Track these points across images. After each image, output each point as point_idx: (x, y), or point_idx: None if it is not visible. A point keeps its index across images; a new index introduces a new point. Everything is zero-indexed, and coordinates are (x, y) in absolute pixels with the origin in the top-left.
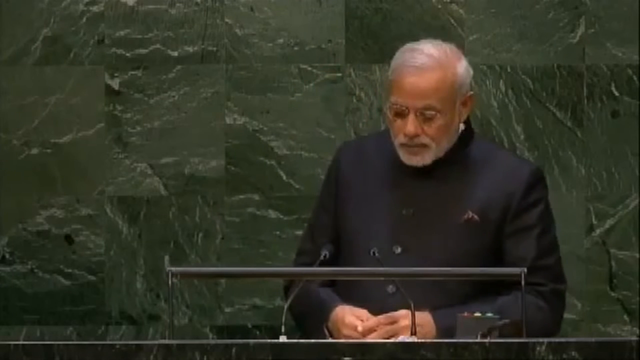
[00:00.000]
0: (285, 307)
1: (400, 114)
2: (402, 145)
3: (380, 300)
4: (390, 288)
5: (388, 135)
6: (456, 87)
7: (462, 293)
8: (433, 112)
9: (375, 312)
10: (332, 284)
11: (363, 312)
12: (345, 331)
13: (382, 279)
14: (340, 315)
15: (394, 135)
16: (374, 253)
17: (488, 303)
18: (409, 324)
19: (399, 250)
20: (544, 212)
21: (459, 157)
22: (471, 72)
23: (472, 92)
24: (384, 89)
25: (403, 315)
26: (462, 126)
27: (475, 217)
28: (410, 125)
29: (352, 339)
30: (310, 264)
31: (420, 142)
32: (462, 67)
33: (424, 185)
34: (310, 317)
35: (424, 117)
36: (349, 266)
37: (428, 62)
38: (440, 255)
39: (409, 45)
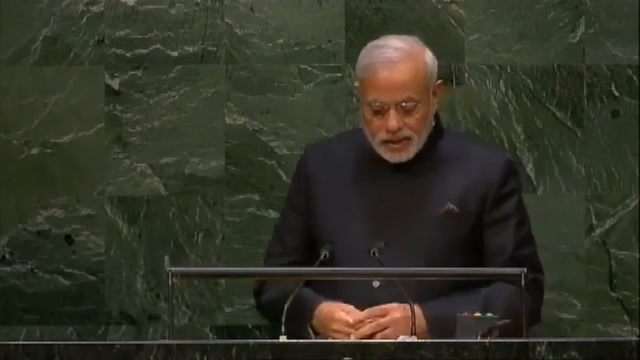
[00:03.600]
0: (286, 307)
1: (379, 112)
2: (384, 142)
3: (367, 296)
4: (376, 282)
5: (357, 134)
6: (428, 76)
7: (443, 285)
8: (413, 104)
9: (362, 307)
10: (309, 283)
11: (350, 307)
12: (335, 326)
13: (381, 278)
14: (326, 311)
15: (372, 134)
16: (373, 253)
17: (472, 294)
18: (400, 316)
19: (381, 244)
20: (520, 202)
21: (431, 151)
22: (436, 62)
23: (440, 81)
24: (357, 91)
25: (394, 308)
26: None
27: (455, 208)
28: (392, 119)
29: (342, 333)
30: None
31: (403, 136)
32: (429, 56)
33: (400, 180)
34: (293, 317)
35: (404, 109)
36: (331, 265)
37: (398, 55)
38: (423, 247)
39: (372, 43)
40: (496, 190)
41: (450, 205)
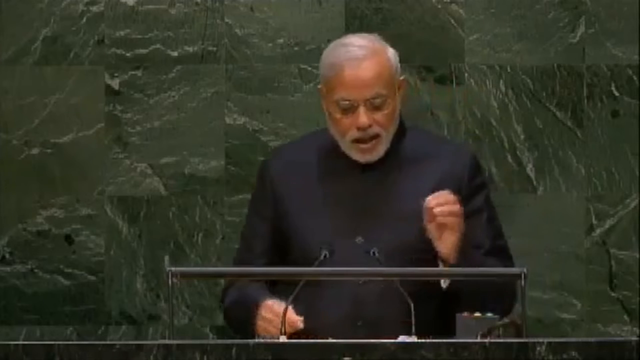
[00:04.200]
0: (285, 306)
1: (348, 110)
2: (355, 141)
3: (351, 291)
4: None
5: (320, 135)
6: (393, 72)
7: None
8: (382, 99)
9: (346, 302)
10: (275, 283)
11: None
12: (266, 313)
13: (380, 278)
14: (269, 304)
15: (341, 133)
16: (373, 253)
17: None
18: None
19: (361, 240)
20: (489, 196)
21: (398, 148)
22: (398, 58)
23: (404, 77)
24: (321, 92)
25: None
26: None
27: None
28: (363, 116)
29: (267, 322)
30: None
31: (374, 133)
32: (391, 52)
33: (371, 179)
34: (240, 316)
35: (373, 106)
36: (308, 266)
37: (363, 52)
38: (402, 242)
39: (335, 43)
40: (467, 185)
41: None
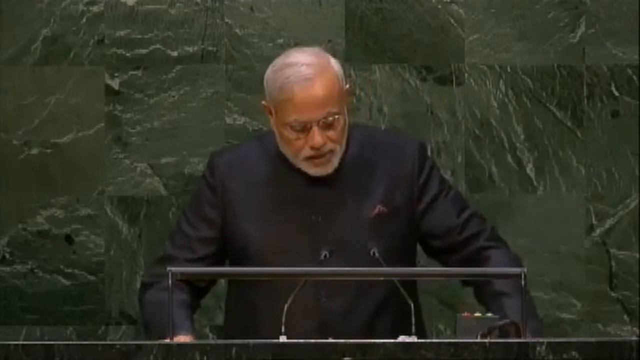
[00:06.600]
0: (286, 307)
1: (301, 130)
2: (308, 158)
3: (314, 306)
4: (325, 293)
5: (266, 140)
6: (341, 85)
7: (391, 284)
8: (334, 117)
9: (308, 316)
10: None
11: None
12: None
13: (381, 279)
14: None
15: (294, 152)
16: (373, 253)
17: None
18: None
19: (322, 255)
20: (441, 176)
21: (347, 152)
22: (340, 66)
23: (348, 85)
24: (269, 110)
25: None
26: None
27: (384, 209)
28: (317, 137)
29: None
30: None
31: (327, 150)
32: (335, 63)
33: (324, 189)
34: (154, 330)
35: (326, 125)
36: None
37: (312, 71)
38: (365, 252)
39: (280, 62)
40: (417, 179)
41: (380, 207)
